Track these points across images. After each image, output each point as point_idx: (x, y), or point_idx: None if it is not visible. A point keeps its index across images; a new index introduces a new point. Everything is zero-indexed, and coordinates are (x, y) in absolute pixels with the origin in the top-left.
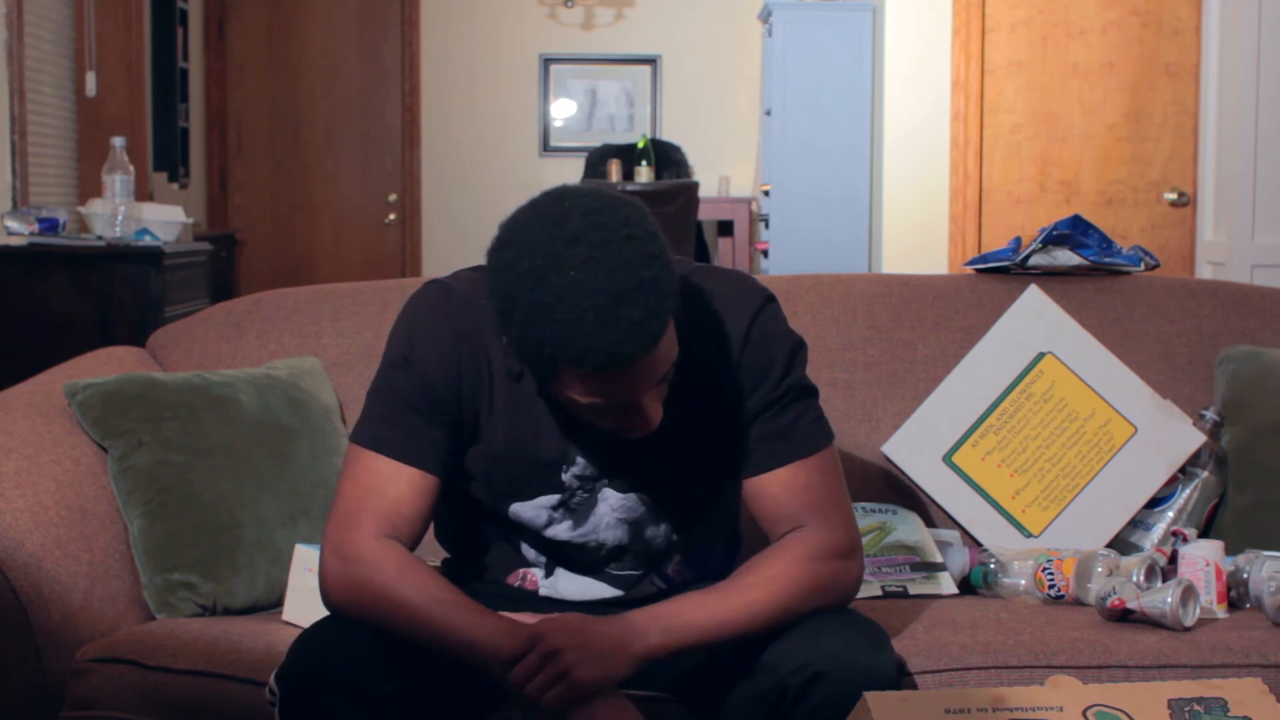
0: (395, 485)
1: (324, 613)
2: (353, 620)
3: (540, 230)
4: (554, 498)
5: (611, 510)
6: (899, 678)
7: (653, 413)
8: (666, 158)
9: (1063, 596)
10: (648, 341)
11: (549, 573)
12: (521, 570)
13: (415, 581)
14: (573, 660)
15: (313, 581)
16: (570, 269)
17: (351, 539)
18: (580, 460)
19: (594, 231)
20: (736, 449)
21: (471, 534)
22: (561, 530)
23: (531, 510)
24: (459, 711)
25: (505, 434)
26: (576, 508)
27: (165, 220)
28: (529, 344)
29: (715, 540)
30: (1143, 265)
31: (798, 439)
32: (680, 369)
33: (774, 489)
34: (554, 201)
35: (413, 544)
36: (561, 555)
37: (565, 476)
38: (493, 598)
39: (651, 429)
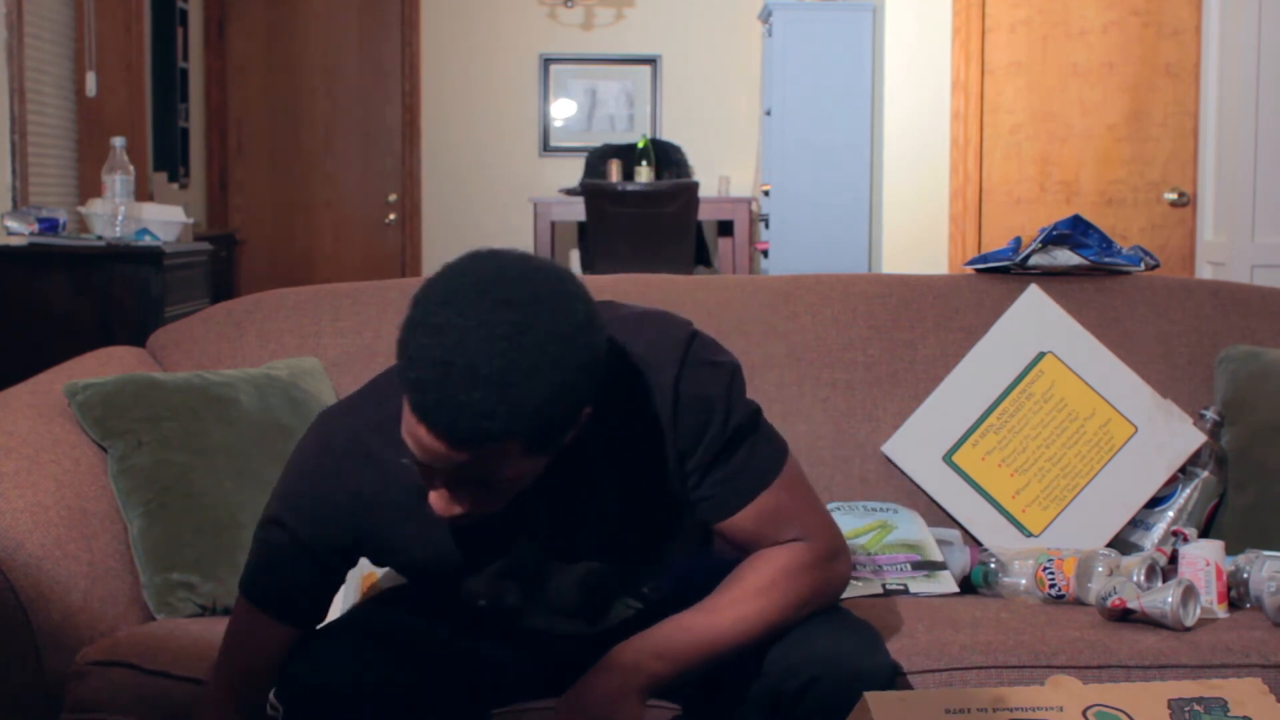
0: (267, 638)
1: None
2: (345, 630)
3: (468, 280)
4: (500, 566)
5: (564, 577)
6: (894, 681)
7: (454, 504)
8: (666, 158)
9: (1063, 596)
10: (483, 435)
11: (520, 622)
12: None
13: None
14: None
15: None
16: (474, 321)
17: (208, 691)
18: (517, 543)
19: (518, 311)
20: (694, 498)
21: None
22: (515, 598)
23: (483, 582)
24: (466, 713)
25: (430, 550)
26: (526, 580)
27: (165, 220)
28: (401, 342)
29: (686, 553)
30: (1143, 265)
31: (755, 473)
32: (613, 437)
33: (745, 523)
34: (518, 269)
35: (272, 678)
36: (521, 615)
37: (506, 556)
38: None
39: (444, 516)
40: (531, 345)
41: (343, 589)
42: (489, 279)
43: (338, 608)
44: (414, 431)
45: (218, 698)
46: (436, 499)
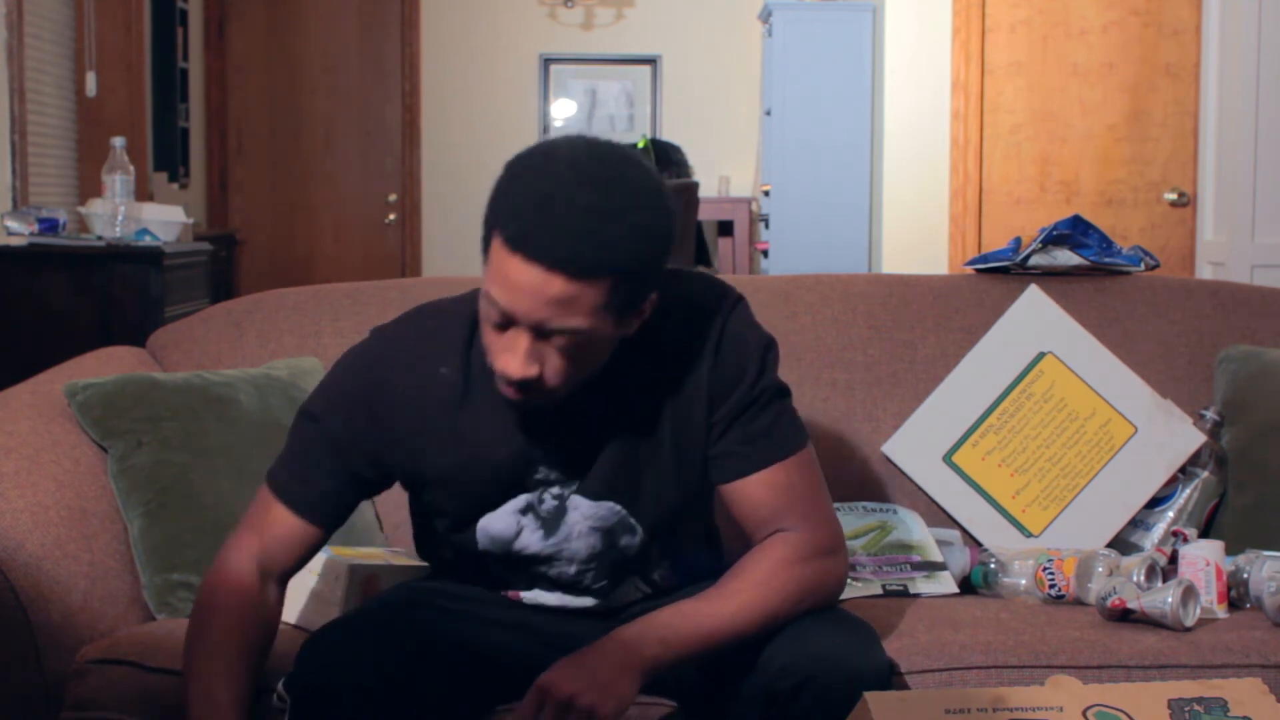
0: (280, 526)
1: (324, 615)
2: (357, 624)
3: (559, 143)
4: (522, 500)
5: (584, 518)
6: (889, 679)
7: (529, 363)
8: (666, 158)
9: (1063, 596)
10: (579, 260)
11: (528, 588)
12: (501, 592)
13: (213, 633)
14: (590, 700)
15: (314, 583)
16: (569, 168)
17: (226, 552)
18: (543, 468)
19: (610, 166)
20: (712, 453)
21: (448, 561)
22: (533, 541)
23: (500, 521)
24: (469, 711)
25: (458, 460)
26: (546, 516)
27: (165, 220)
28: (494, 196)
29: (696, 541)
30: (1143, 265)
31: (776, 441)
32: (651, 372)
33: (755, 491)
34: (588, 140)
35: (283, 577)
36: (534, 574)
37: (529, 481)
38: (484, 602)
39: (515, 376)
40: (624, 190)
41: (343, 591)
42: (579, 144)
43: (338, 608)
44: (505, 270)
45: (214, 582)
46: (510, 357)
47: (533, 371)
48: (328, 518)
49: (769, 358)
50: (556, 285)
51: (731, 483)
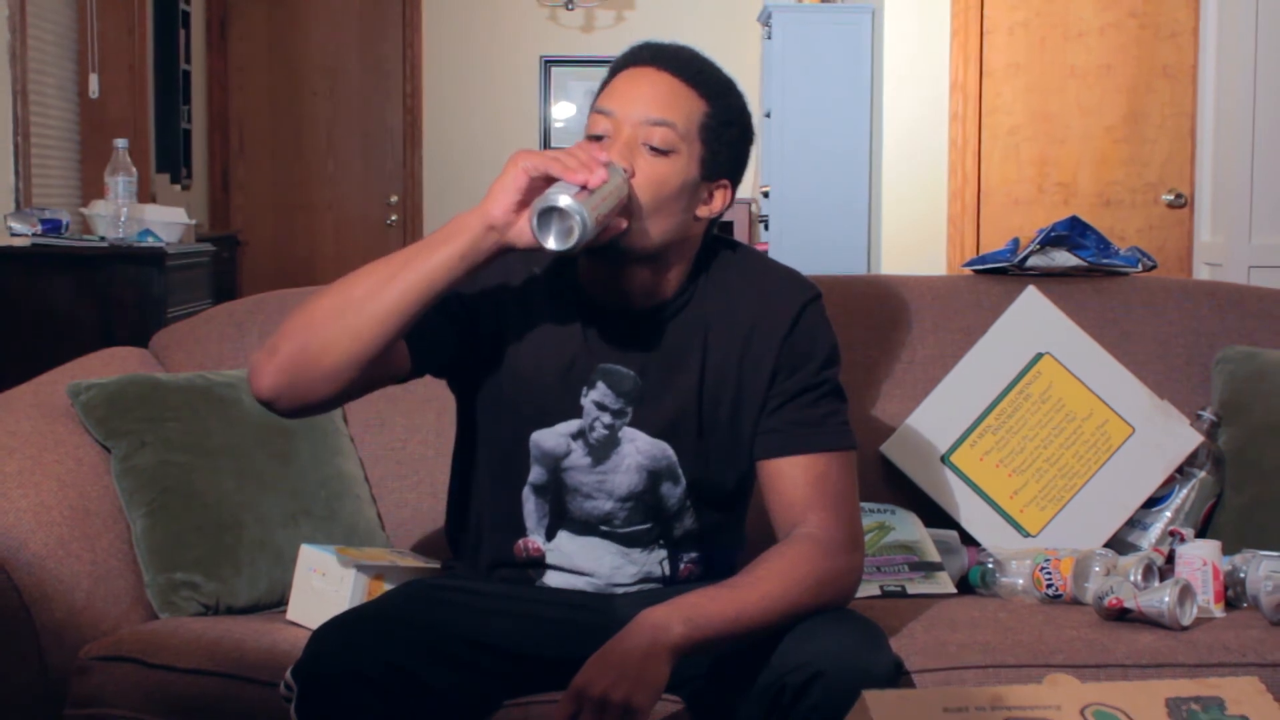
0: None
1: (329, 614)
2: (366, 615)
3: None
4: (574, 424)
5: (637, 451)
6: (896, 677)
7: (622, 155)
8: None
9: (1060, 596)
10: (684, 63)
11: (551, 535)
12: (523, 540)
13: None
14: (624, 694)
15: (318, 582)
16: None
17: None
18: (600, 385)
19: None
20: (761, 427)
21: (479, 506)
22: (581, 466)
23: (552, 439)
24: (477, 705)
25: (529, 354)
26: (596, 444)
27: (168, 221)
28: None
29: (728, 538)
30: (1140, 266)
31: (827, 432)
32: (727, 330)
33: (793, 472)
34: None
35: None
36: (567, 507)
37: (585, 401)
38: (492, 596)
39: (603, 160)
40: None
41: (349, 591)
42: None
43: (344, 608)
44: (613, 85)
45: None
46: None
47: (621, 164)
48: (419, 342)
49: (836, 356)
50: (664, 81)
51: (772, 459)
